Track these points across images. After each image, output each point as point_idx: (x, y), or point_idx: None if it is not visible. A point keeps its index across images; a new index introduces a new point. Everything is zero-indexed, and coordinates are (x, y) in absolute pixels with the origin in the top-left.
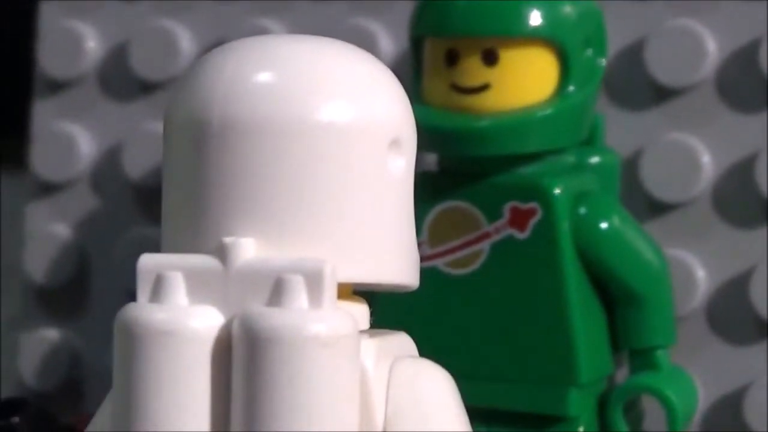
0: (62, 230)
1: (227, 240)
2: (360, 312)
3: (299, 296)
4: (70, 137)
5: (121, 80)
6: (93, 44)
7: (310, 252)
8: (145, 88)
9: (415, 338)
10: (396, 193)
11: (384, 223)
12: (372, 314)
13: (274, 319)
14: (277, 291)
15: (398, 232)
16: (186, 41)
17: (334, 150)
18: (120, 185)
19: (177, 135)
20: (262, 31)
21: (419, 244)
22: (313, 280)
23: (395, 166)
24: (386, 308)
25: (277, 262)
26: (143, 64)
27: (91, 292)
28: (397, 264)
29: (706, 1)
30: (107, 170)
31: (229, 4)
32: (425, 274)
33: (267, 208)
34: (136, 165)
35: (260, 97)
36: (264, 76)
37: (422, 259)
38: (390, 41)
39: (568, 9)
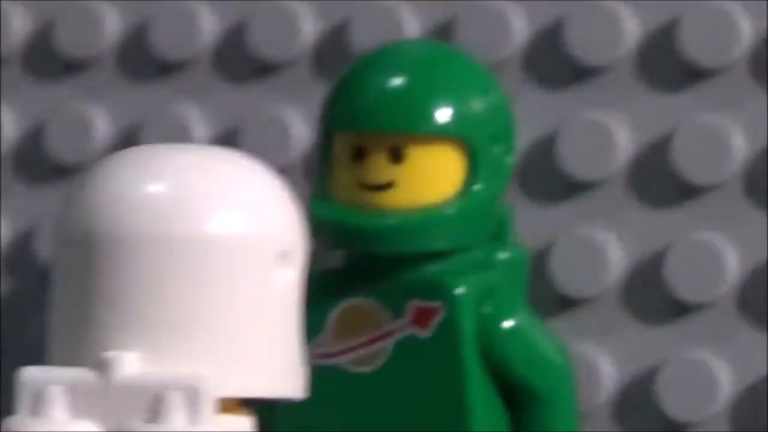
0: None
1: (108, 354)
2: (243, 425)
3: (177, 413)
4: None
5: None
6: (112, 25)
7: (193, 366)
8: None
9: None
10: (283, 306)
11: (269, 337)
12: (274, 411)
13: None
14: (155, 407)
15: (284, 345)
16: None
17: (220, 263)
18: None
19: (64, 247)
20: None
21: (323, 341)
22: (192, 397)
23: (283, 279)
24: (288, 407)
25: (156, 377)
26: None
27: None
28: (282, 377)
29: (619, 95)
30: None
31: None
32: (328, 371)
33: (150, 322)
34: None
35: (145, 210)
36: (149, 189)
37: (325, 356)
38: (305, 129)
39: (475, 106)
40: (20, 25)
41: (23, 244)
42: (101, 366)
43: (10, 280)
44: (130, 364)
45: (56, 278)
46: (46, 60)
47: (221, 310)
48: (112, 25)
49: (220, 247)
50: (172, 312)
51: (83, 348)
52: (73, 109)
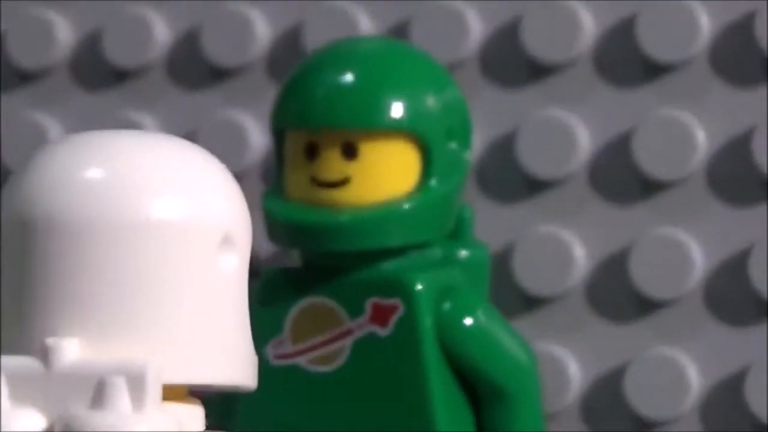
0: None
1: (49, 341)
2: (190, 414)
3: (121, 398)
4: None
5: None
6: (65, 34)
7: (136, 352)
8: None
9: None
10: (227, 291)
11: (214, 323)
12: (232, 412)
13: (94, 422)
14: (99, 393)
15: (230, 332)
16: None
17: (161, 248)
18: None
19: (4, 233)
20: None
21: (282, 341)
22: (136, 382)
23: (227, 264)
24: (248, 405)
25: (99, 363)
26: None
27: None
28: (230, 364)
29: (578, 93)
30: None
31: None
32: (287, 371)
33: (92, 307)
34: None
35: (85, 195)
36: (89, 174)
37: (284, 356)
38: (260, 134)
39: (430, 101)
40: None
41: None
42: (43, 353)
43: None
44: (71, 350)
45: None
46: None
47: (163, 295)
48: (65, 33)
49: (160, 232)
50: (114, 298)
51: (24, 335)
52: (27, 117)
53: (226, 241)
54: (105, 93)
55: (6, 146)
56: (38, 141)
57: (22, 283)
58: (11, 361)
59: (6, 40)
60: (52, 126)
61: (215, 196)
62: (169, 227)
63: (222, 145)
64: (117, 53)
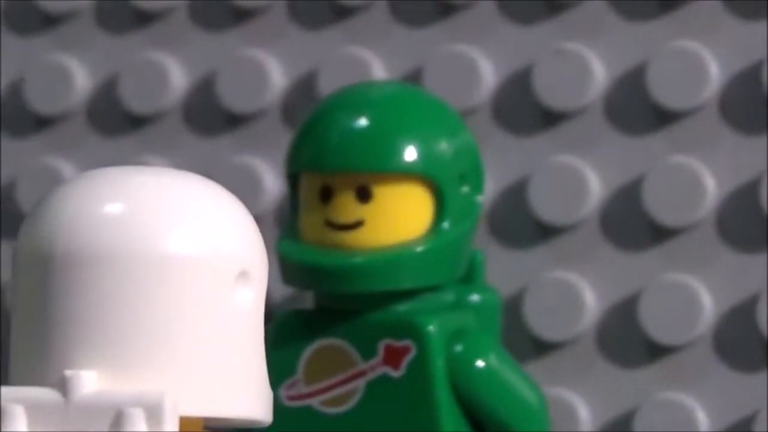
0: None
1: (68, 373)
2: None
3: (139, 430)
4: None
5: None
6: (82, 80)
7: (153, 385)
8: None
9: None
10: (244, 326)
11: (230, 357)
12: None
13: None
14: (117, 425)
15: (246, 366)
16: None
17: (178, 282)
18: None
19: (23, 266)
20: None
21: (295, 383)
22: (154, 414)
23: (243, 299)
24: None
25: (117, 395)
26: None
27: None
28: (246, 398)
29: (589, 139)
30: None
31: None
32: (300, 412)
33: (110, 340)
34: None
35: (103, 230)
36: (107, 209)
37: (297, 397)
38: (275, 179)
39: (443, 145)
40: None
41: None
42: (61, 385)
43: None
44: (89, 382)
45: (15, 298)
46: (17, 115)
47: (180, 328)
48: (82, 79)
49: (177, 267)
50: (131, 331)
51: (43, 367)
52: (43, 163)
53: (243, 276)
54: (121, 138)
55: (23, 191)
56: (54, 186)
57: (41, 317)
58: (30, 392)
59: (24, 86)
60: (68, 171)
61: (232, 231)
62: (186, 261)
63: (236, 190)
64: (133, 99)
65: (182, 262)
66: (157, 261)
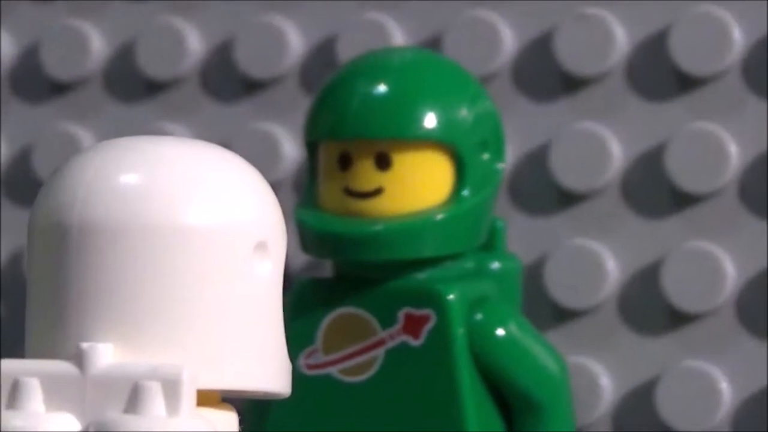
0: None
1: (84, 345)
2: (224, 420)
3: (156, 403)
4: None
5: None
6: (98, 45)
7: (170, 357)
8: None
9: None
10: (262, 297)
11: (249, 328)
12: (264, 422)
13: (129, 426)
14: (134, 398)
15: (265, 337)
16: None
17: (196, 253)
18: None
19: (39, 237)
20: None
21: (314, 351)
22: (171, 387)
23: (261, 270)
24: (280, 416)
25: (134, 368)
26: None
27: None
28: (264, 370)
29: (611, 105)
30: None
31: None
32: (319, 381)
33: (126, 312)
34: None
35: (120, 200)
36: (125, 179)
37: (316, 366)
38: (293, 146)
39: (463, 112)
40: (7, 47)
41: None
42: (78, 357)
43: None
44: (106, 354)
45: (31, 270)
46: (33, 81)
47: (197, 300)
48: (99, 44)
49: (195, 238)
50: (148, 303)
51: (59, 340)
52: (60, 128)
53: (261, 246)
54: (138, 104)
55: (39, 157)
56: (71, 152)
57: (57, 289)
58: (47, 365)
59: (40, 51)
60: (85, 137)
61: (250, 202)
62: (204, 232)
63: (254, 156)
64: (151, 65)
65: (200, 233)
66: (174, 232)
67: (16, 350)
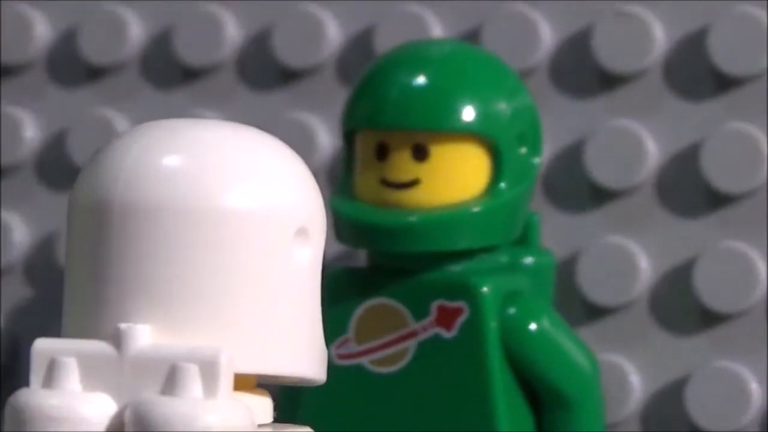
0: None
1: (122, 326)
2: (260, 405)
3: (193, 385)
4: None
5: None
6: (136, 31)
7: (208, 340)
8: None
9: None
10: (301, 283)
11: (287, 314)
12: (297, 409)
13: (166, 407)
14: (171, 379)
15: (302, 324)
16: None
17: (237, 237)
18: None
19: (79, 217)
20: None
21: (346, 341)
22: (208, 370)
23: (301, 256)
24: (311, 405)
25: (171, 349)
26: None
27: None
28: (301, 357)
29: (647, 103)
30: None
31: None
32: (351, 371)
33: (165, 294)
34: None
35: (162, 182)
36: (167, 161)
37: (348, 356)
38: (329, 136)
39: (501, 105)
40: (44, 30)
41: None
42: (116, 338)
43: (31, 284)
44: (144, 336)
45: (70, 249)
46: (70, 66)
47: (236, 284)
48: (136, 31)
49: (236, 220)
50: (187, 285)
51: (97, 320)
52: (96, 114)
53: (302, 233)
54: (175, 91)
55: (74, 142)
56: (107, 137)
57: (96, 269)
58: (84, 345)
59: (78, 36)
60: (120, 123)
61: (292, 187)
62: (245, 216)
63: (290, 146)
64: (188, 52)
65: (241, 216)
66: (215, 215)
67: (50, 334)
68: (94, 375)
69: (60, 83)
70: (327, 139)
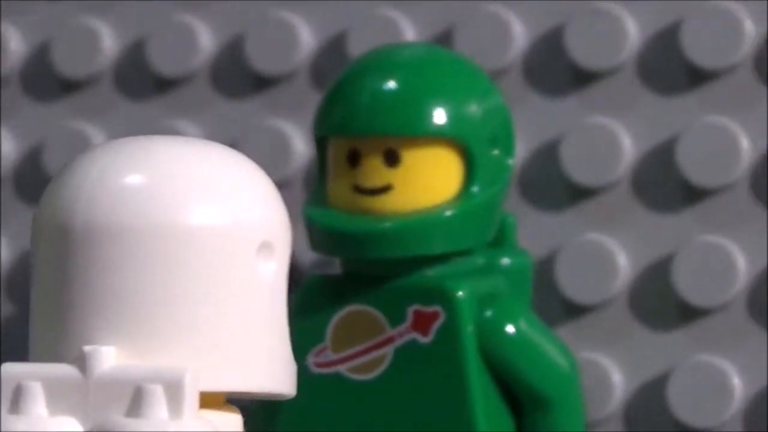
0: None
1: (87, 348)
2: (229, 422)
3: (159, 406)
4: None
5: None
6: (109, 43)
7: (173, 360)
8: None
9: None
10: (266, 298)
11: (252, 330)
12: (274, 421)
13: (132, 429)
14: (136, 401)
15: (268, 339)
16: None
17: (199, 254)
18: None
19: (43, 238)
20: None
21: (323, 349)
22: (173, 390)
23: (265, 270)
24: (289, 414)
25: (136, 370)
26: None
27: None
28: (268, 372)
29: (622, 100)
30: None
31: None
32: (328, 379)
33: (129, 314)
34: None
35: (123, 201)
36: (129, 179)
37: (325, 364)
38: (304, 142)
39: (472, 108)
40: (18, 45)
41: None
42: (80, 360)
43: (11, 299)
44: (108, 357)
45: (34, 272)
46: (44, 79)
47: (201, 302)
48: (109, 43)
49: (199, 238)
50: (151, 305)
51: (61, 343)
52: (70, 126)
53: (265, 247)
54: (148, 102)
55: (49, 155)
56: (81, 150)
57: (59, 290)
58: (49, 368)
59: (51, 49)
60: (95, 135)
61: (254, 202)
62: (208, 233)
63: (265, 153)
64: (161, 62)
65: (203, 233)
66: (177, 233)
67: (22, 352)
68: (60, 398)
69: (34, 97)
70: (302, 145)
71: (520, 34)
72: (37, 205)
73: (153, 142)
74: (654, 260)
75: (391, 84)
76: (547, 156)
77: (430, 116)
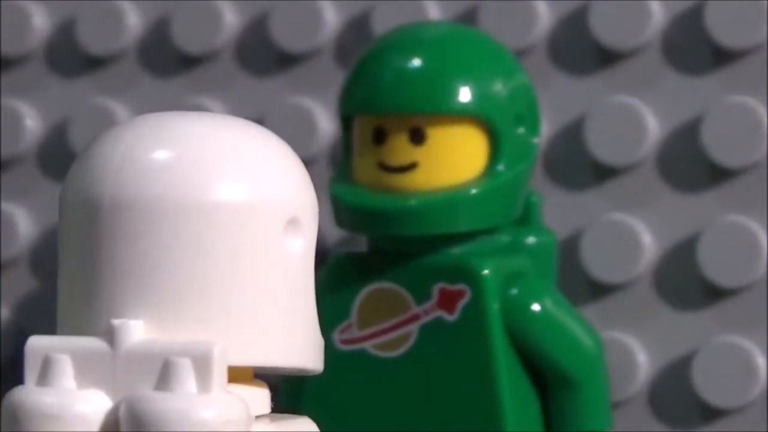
0: None
1: (115, 322)
2: (257, 396)
3: (187, 380)
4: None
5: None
6: (134, 20)
7: (201, 334)
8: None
9: (344, 422)
10: (294, 274)
11: (280, 305)
12: (299, 397)
13: (160, 403)
14: (164, 375)
15: (296, 314)
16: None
17: (227, 229)
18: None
19: (70, 213)
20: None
21: (348, 326)
22: (202, 364)
23: (293, 246)
24: (314, 391)
25: (165, 344)
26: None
27: None
28: (295, 347)
29: (647, 79)
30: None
31: None
32: (353, 356)
33: (157, 289)
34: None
35: (152, 176)
36: (157, 155)
37: (351, 341)
38: (329, 120)
39: (498, 86)
40: (43, 22)
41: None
42: (109, 334)
43: (36, 276)
44: (137, 331)
45: (62, 246)
46: (69, 56)
47: (229, 277)
48: (134, 20)
49: (227, 214)
50: (179, 279)
51: (90, 316)
52: (95, 103)
53: (293, 223)
54: (173, 79)
55: (74, 132)
56: (106, 126)
57: (88, 265)
58: (78, 341)
59: (76, 27)
60: (120, 112)
61: (282, 178)
62: (236, 208)
63: (290, 131)
64: (185, 39)
65: (231, 209)
66: (205, 209)
67: (48, 328)
68: (88, 371)
69: (59, 74)
70: (326, 123)
71: (544, 13)
72: (62, 182)
73: (181, 117)
74: (679, 240)
75: (417, 62)
76: (572, 135)
77: (456, 94)
